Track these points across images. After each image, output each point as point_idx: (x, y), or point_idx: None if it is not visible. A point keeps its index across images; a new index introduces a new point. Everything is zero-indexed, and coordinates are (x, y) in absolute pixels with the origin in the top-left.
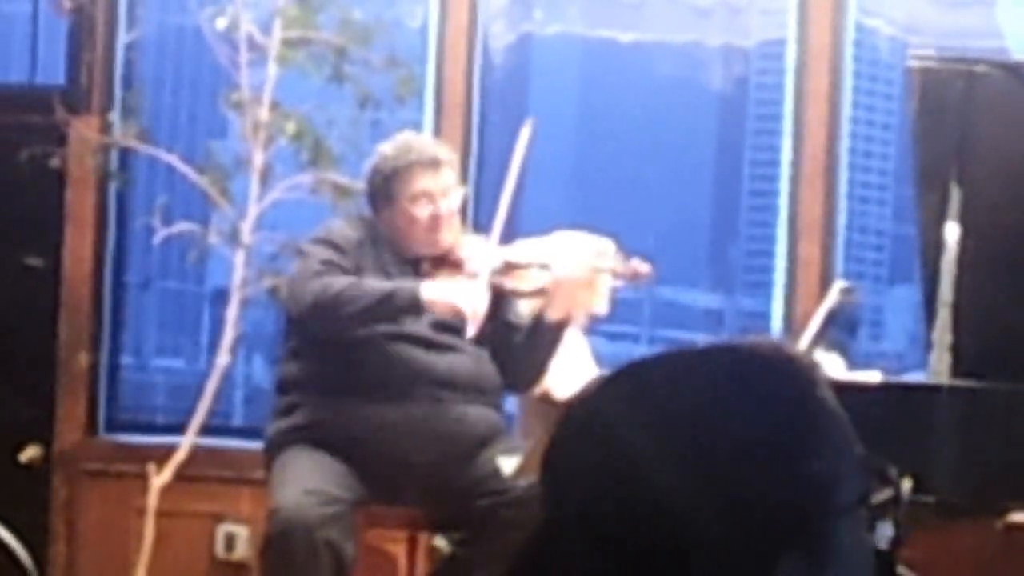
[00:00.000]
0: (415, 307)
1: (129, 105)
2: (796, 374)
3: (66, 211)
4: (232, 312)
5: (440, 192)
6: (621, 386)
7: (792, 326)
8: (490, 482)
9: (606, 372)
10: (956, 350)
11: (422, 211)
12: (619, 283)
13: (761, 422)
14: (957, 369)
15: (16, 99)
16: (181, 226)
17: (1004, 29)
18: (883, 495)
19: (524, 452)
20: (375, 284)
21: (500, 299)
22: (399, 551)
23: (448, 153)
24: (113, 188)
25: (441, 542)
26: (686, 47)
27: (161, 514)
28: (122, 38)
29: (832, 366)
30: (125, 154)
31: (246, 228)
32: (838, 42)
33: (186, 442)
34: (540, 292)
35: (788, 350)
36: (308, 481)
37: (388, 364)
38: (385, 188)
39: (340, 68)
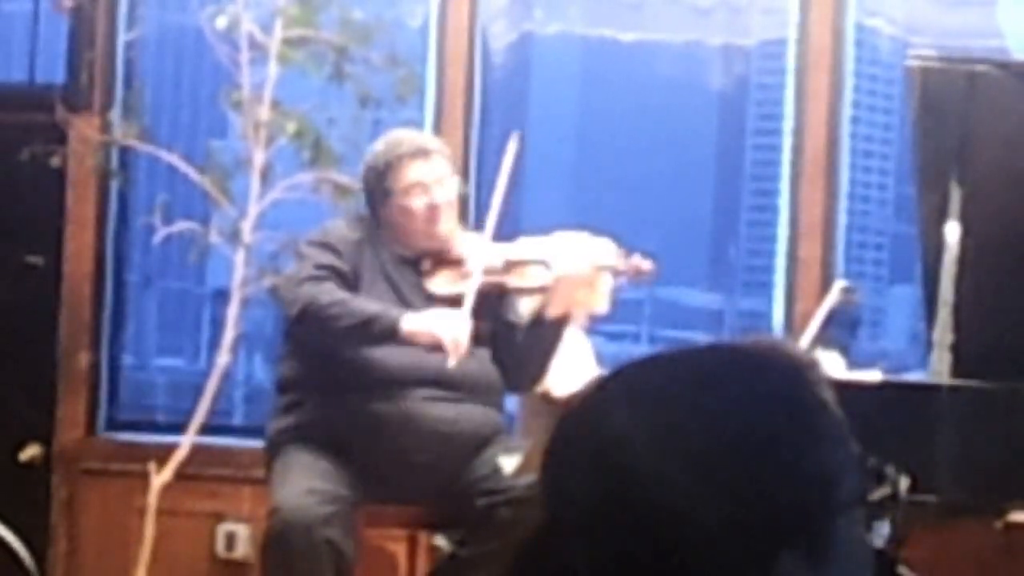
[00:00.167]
0: (394, 336)
1: (130, 104)
2: (796, 373)
3: (66, 210)
4: (232, 311)
5: (434, 181)
6: (621, 386)
7: (792, 326)
8: (490, 481)
9: (606, 372)
10: (956, 350)
11: (417, 202)
12: (621, 280)
13: (760, 421)
14: (957, 369)
15: (16, 98)
16: (182, 225)
17: (1004, 29)
18: (880, 494)
19: (524, 451)
20: (361, 305)
21: (500, 298)
22: (399, 550)
23: (438, 143)
24: (114, 187)
25: (441, 541)
26: (687, 46)
27: (162, 513)
28: (123, 37)
29: (832, 365)
30: (125, 153)
31: (247, 227)
32: (839, 42)
33: (186, 441)
34: (542, 289)
35: (788, 349)
36: (308, 480)
37: (389, 363)
38: (379, 184)
39: (341, 67)
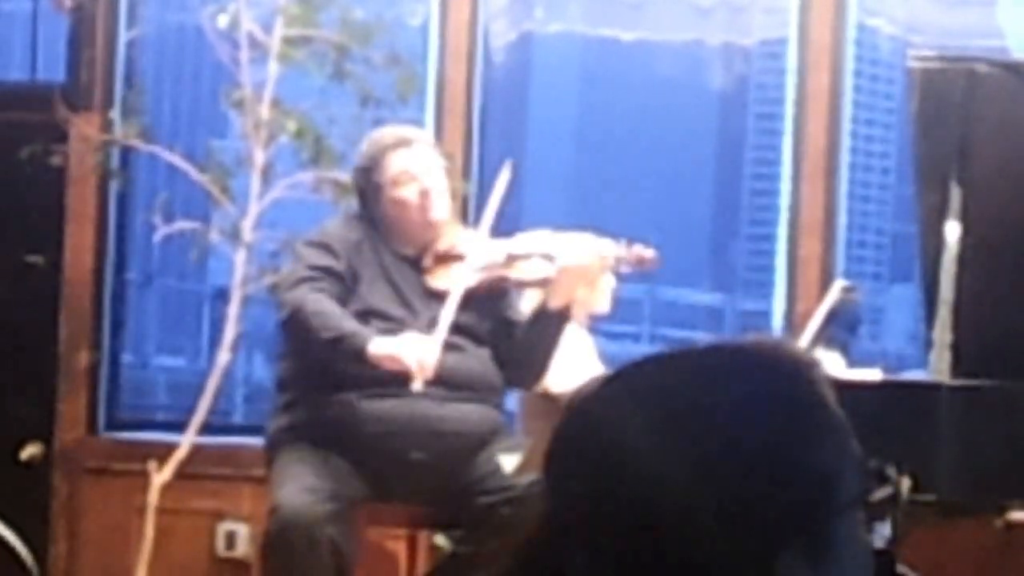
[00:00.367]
0: (361, 358)
1: (130, 103)
2: (796, 372)
3: (67, 209)
4: (233, 310)
5: (421, 169)
6: (622, 385)
7: (793, 325)
8: (491, 480)
9: (607, 371)
10: (956, 349)
11: (408, 191)
12: (625, 270)
13: (761, 420)
14: (957, 368)
15: (17, 97)
16: (182, 224)
17: (1005, 28)
18: (881, 494)
19: (524, 451)
20: (339, 322)
21: (499, 296)
22: (400, 549)
23: (420, 133)
24: (114, 186)
25: (442, 540)
26: (687, 46)
27: (162, 512)
28: (123, 36)
29: (833, 364)
30: (126, 152)
31: (247, 226)
32: (839, 41)
33: (187, 440)
34: (545, 281)
35: (789, 348)
36: (309, 479)
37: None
38: (368, 181)
39: (341, 66)
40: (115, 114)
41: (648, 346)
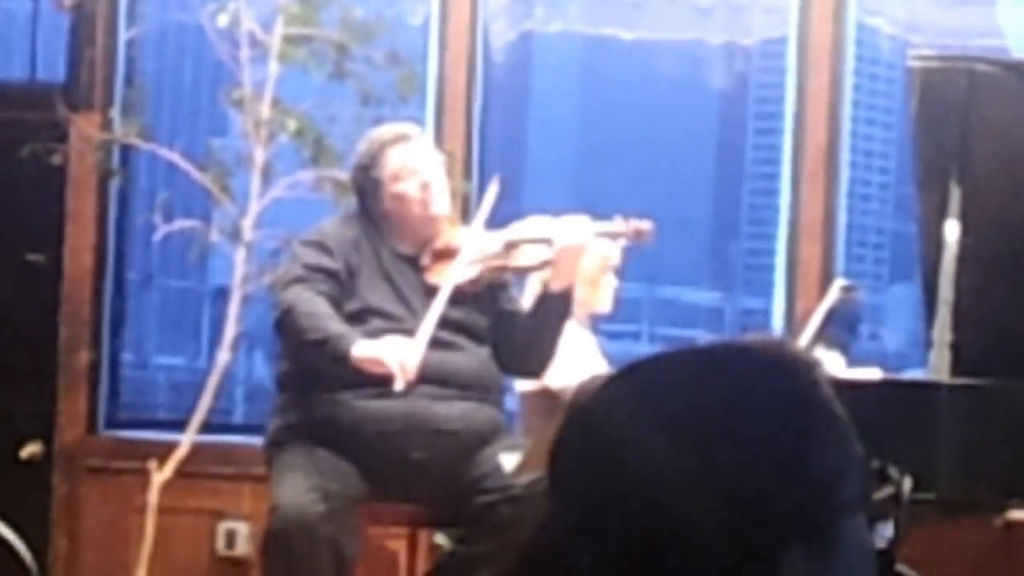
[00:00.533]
0: (344, 361)
1: (130, 102)
2: (797, 372)
3: (67, 208)
4: (233, 309)
5: (421, 163)
6: (625, 384)
7: (793, 324)
8: (491, 479)
9: (609, 371)
10: (956, 348)
11: (409, 185)
12: (623, 243)
13: (763, 420)
14: (957, 367)
15: (17, 96)
16: (182, 223)
17: (1004, 28)
18: (883, 494)
19: (525, 450)
20: (327, 324)
21: (498, 289)
22: (400, 548)
23: (416, 129)
24: (114, 185)
25: (442, 539)
26: (687, 45)
27: (162, 511)
28: (123, 35)
29: (832, 364)
30: (126, 151)
31: (247, 225)
32: (839, 41)
33: (187, 439)
34: (545, 264)
35: (789, 348)
36: (309, 478)
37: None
38: (367, 178)
39: (341, 65)
40: (115, 113)
41: (648, 345)
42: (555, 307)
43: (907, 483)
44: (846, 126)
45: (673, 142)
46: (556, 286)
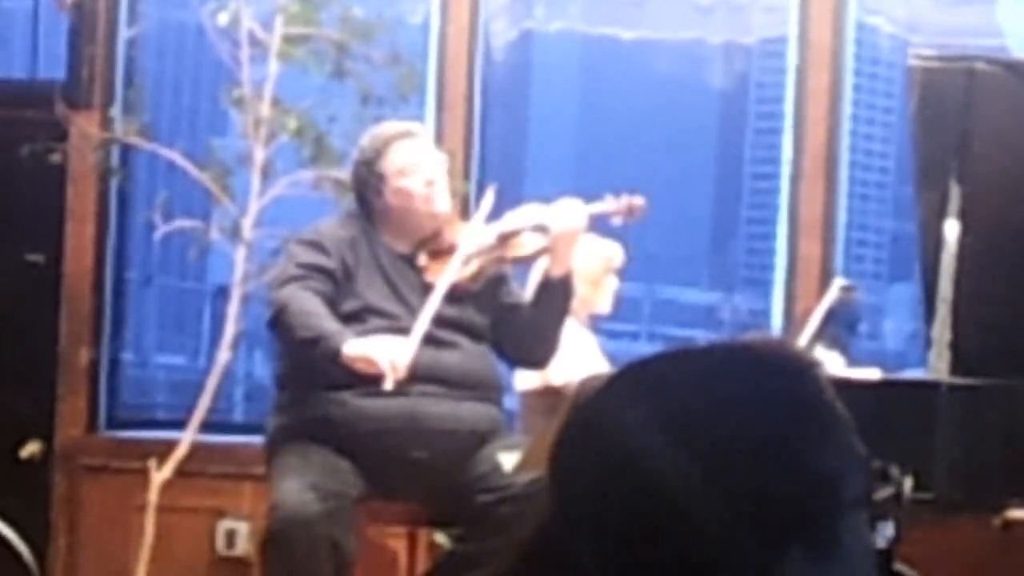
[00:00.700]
0: (336, 359)
1: (130, 101)
2: (798, 372)
3: (67, 207)
4: (233, 308)
5: (426, 160)
6: (628, 383)
7: (792, 324)
8: (490, 478)
9: (610, 370)
10: (955, 347)
11: (414, 181)
12: (617, 221)
13: (764, 419)
14: (956, 366)
15: (17, 94)
16: (182, 222)
17: (1004, 27)
18: (884, 494)
19: (524, 449)
20: (319, 322)
21: (496, 283)
22: (399, 547)
23: (420, 127)
24: (114, 184)
25: (441, 538)
26: (687, 44)
27: (162, 510)
28: (123, 34)
29: (832, 363)
30: (126, 150)
31: (247, 224)
32: (839, 40)
33: (187, 438)
34: (542, 252)
35: (789, 348)
36: (309, 477)
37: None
38: (371, 172)
39: (341, 65)
40: (115, 112)
41: (647, 345)
42: (556, 293)
43: (907, 483)
44: (846, 125)
45: (673, 141)
46: (555, 272)
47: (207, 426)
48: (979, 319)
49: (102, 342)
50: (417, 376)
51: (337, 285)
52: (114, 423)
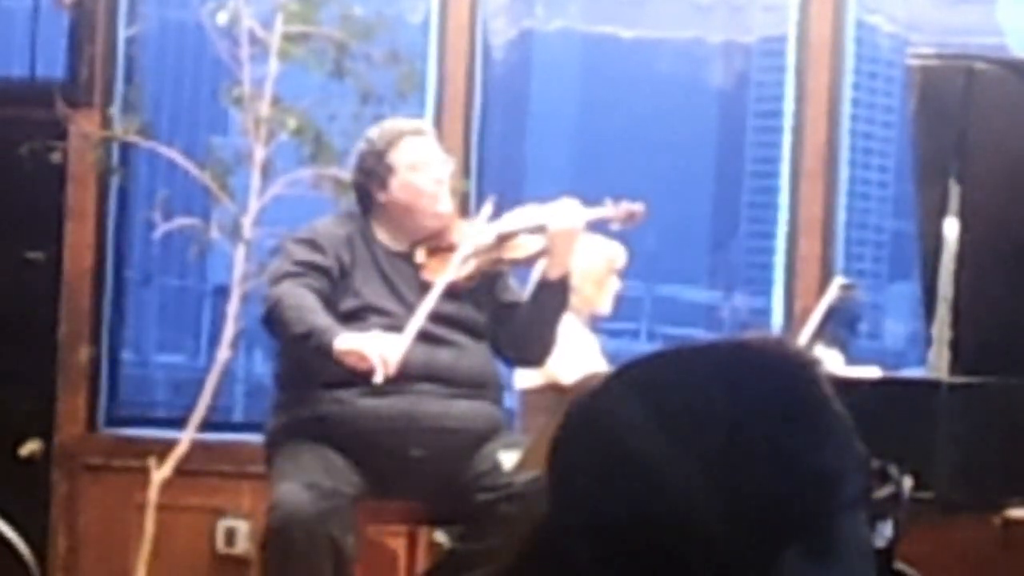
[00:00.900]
0: (327, 354)
1: (130, 100)
2: (798, 370)
3: (67, 206)
4: (233, 307)
5: (436, 159)
6: (625, 382)
7: (792, 322)
8: (490, 477)
9: (609, 369)
10: (955, 346)
11: (424, 178)
12: (615, 227)
13: (762, 418)
14: (956, 365)
15: (17, 93)
16: (182, 221)
17: (1004, 26)
18: (883, 493)
19: (524, 447)
20: (312, 317)
21: (494, 280)
22: (399, 546)
23: (429, 127)
24: (114, 183)
25: (441, 537)
26: (687, 43)
27: (162, 508)
28: (123, 33)
29: (832, 362)
30: (126, 149)
31: (247, 223)
32: (839, 39)
33: (187, 437)
34: (540, 255)
35: (789, 346)
36: (309, 476)
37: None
38: (380, 164)
39: (341, 63)
40: (115, 111)
41: (647, 343)
42: (553, 294)
43: (907, 482)
44: (845, 124)
45: (672, 140)
46: (553, 273)
47: (207, 425)
48: (979, 318)
49: (102, 340)
50: (416, 375)
51: (333, 283)
52: (114, 422)
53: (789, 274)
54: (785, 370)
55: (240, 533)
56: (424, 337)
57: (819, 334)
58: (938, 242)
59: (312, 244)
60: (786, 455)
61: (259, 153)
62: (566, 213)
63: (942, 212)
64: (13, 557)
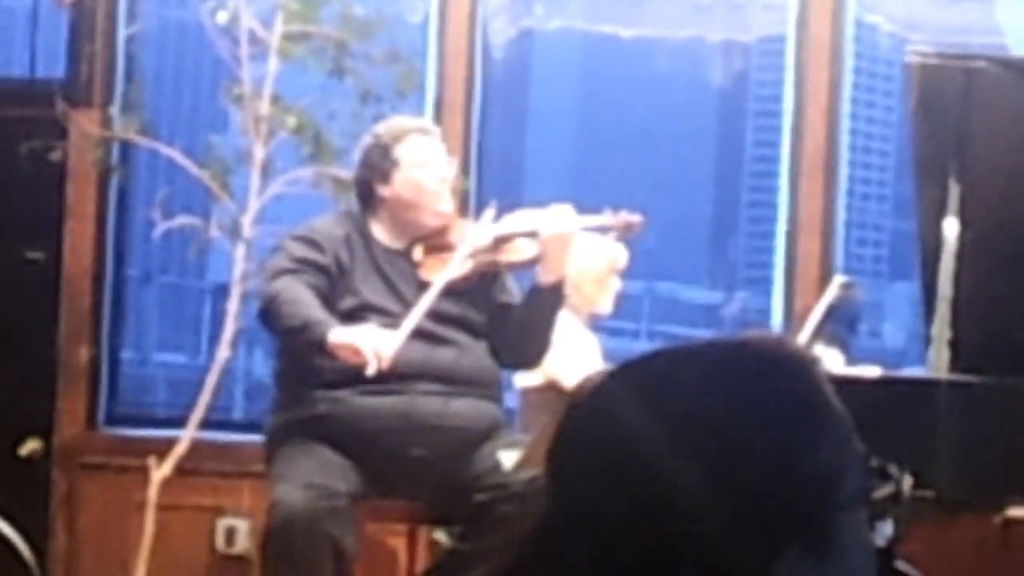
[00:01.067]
0: (321, 347)
1: (130, 99)
2: (797, 369)
3: (67, 205)
4: (233, 306)
5: (441, 159)
6: (624, 382)
7: (792, 321)
8: (490, 476)
9: (609, 368)
10: (955, 345)
11: (428, 176)
12: (613, 236)
13: (763, 417)
14: (956, 364)
15: (17, 93)
16: (182, 220)
17: (1003, 25)
18: (883, 492)
19: (524, 446)
20: (306, 311)
21: (491, 280)
22: (399, 545)
23: (434, 127)
24: (114, 182)
25: (441, 536)
26: (687, 43)
27: (161, 508)
28: (123, 32)
29: (831, 361)
30: (126, 148)
31: (247, 222)
32: (838, 38)
33: (186, 436)
34: (535, 260)
35: (789, 345)
36: (308, 475)
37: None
38: (386, 160)
39: (341, 62)
40: (115, 110)
41: (647, 343)
42: (545, 299)
43: (907, 481)
44: (845, 123)
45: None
46: (546, 278)
47: (207, 424)
48: (979, 317)
49: (102, 340)
50: (416, 374)
51: (331, 281)
52: (114, 421)
53: (789, 273)
54: (785, 369)
55: (240, 532)
56: (424, 336)
57: (819, 333)
58: (938, 241)
59: (310, 242)
60: (786, 454)
61: (259, 152)
62: (559, 218)
63: (942, 211)
64: (13, 556)
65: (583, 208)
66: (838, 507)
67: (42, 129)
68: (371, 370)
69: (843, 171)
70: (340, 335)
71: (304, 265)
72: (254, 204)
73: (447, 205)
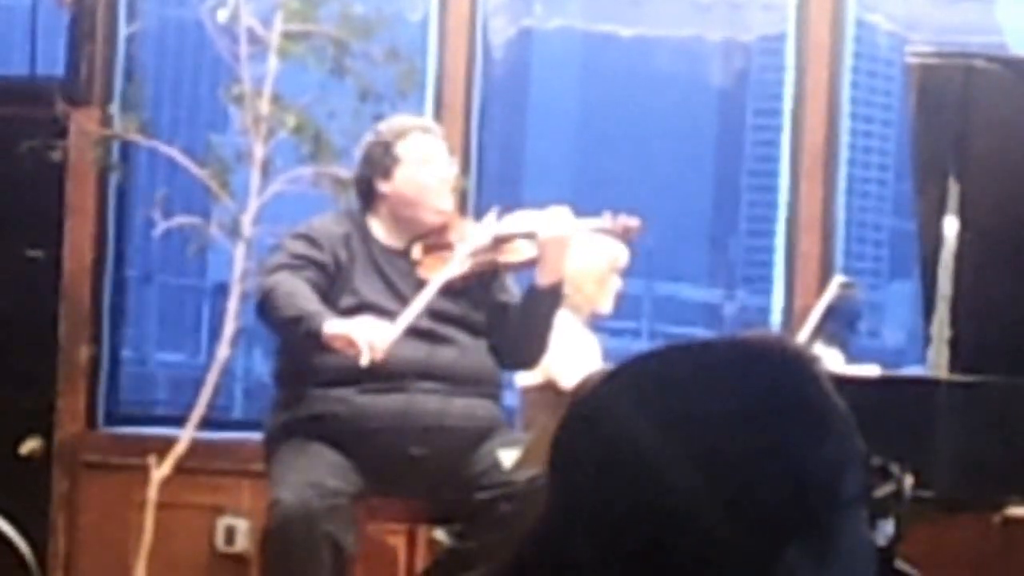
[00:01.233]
0: (316, 338)
1: (130, 98)
2: (798, 368)
3: (66, 204)
4: (232, 305)
5: (443, 158)
6: (624, 381)
7: (791, 321)
8: (490, 475)
9: (609, 367)
10: (954, 344)
11: (429, 174)
12: (612, 239)
13: (762, 416)
14: (955, 363)
15: (16, 91)
16: (182, 219)
17: (1003, 25)
18: (884, 492)
19: (524, 445)
20: (302, 304)
21: (491, 280)
22: (399, 544)
23: (437, 127)
24: (114, 181)
25: (441, 535)
26: (686, 42)
27: (161, 507)
28: (123, 30)
29: (831, 360)
30: (126, 147)
31: (247, 221)
32: (838, 37)
33: (186, 435)
34: (533, 262)
35: (789, 344)
36: (308, 474)
37: (388, 356)
38: (387, 157)
39: (341, 61)
40: (115, 109)
41: (647, 342)
42: (543, 301)
43: (908, 481)
44: (845, 123)
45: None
46: (544, 280)
47: (206, 423)
48: (978, 316)
49: (102, 339)
50: (416, 372)
51: (330, 279)
52: (114, 420)
53: (789, 272)
54: (785, 368)
55: (240, 531)
56: (424, 335)
57: (819, 332)
58: (937, 240)
59: (309, 240)
60: (785, 453)
61: (259, 151)
62: (557, 219)
63: (941, 210)
64: (13, 555)
65: (583, 207)
66: (839, 506)
67: (42, 128)
68: (364, 360)
69: (842, 170)
70: (335, 326)
71: (303, 262)
72: (254, 203)
73: (447, 203)
